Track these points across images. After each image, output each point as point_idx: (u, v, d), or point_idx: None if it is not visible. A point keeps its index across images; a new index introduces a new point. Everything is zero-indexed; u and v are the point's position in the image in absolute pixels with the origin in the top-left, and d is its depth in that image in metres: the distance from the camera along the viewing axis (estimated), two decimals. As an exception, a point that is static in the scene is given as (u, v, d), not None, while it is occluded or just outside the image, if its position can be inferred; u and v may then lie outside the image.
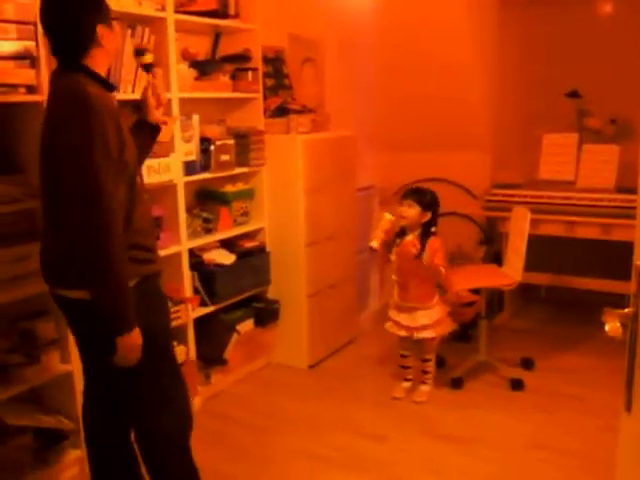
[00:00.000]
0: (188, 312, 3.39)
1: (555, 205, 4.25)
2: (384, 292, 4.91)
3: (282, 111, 3.95)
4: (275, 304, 3.97)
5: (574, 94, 4.49)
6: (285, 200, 3.87)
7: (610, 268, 4.41)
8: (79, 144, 1.90)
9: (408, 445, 3.11)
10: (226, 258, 3.64)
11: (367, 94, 4.73)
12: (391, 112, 4.77)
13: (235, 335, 3.74)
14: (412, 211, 3.40)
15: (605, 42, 4.31)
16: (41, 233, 2.18)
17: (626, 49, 4.13)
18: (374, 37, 4.60)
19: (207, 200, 3.73)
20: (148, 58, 2.47)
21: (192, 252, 3.48)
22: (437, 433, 3.21)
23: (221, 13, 3.56)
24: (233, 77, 3.72)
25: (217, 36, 3.79)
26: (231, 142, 3.63)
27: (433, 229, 3.43)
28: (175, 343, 3.27)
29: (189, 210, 3.50)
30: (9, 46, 2.41)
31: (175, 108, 3.23)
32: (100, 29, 2.03)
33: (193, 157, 3.42)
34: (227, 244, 3.74)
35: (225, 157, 3.58)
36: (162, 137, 2.96)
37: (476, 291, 3.95)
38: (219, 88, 3.61)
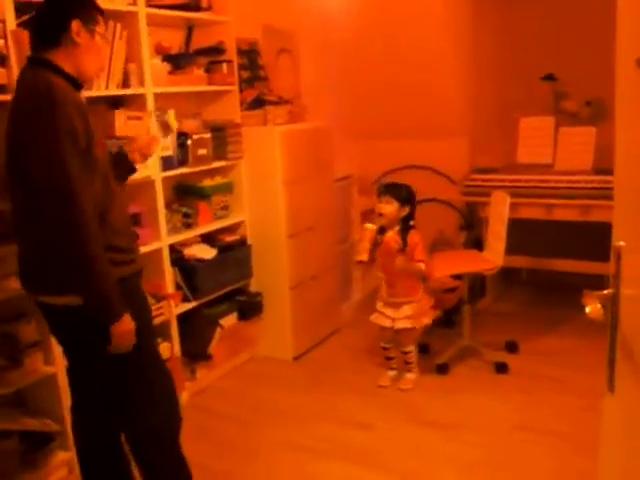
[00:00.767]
0: (171, 308, 3.37)
1: (533, 188, 4.27)
2: (366, 282, 4.92)
3: (258, 103, 3.93)
4: (258, 297, 3.96)
5: (550, 77, 4.51)
6: (264, 192, 3.85)
7: (589, 250, 4.45)
8: (45, 134, 1.87)
9: (395, 433, 3.12)
10: (207, 252, 3.62)
11: (343, 84, 4.72)
12: (368, 101, 4.76)
13: (219, 329, 3.73)
14: (390, 207, 3.41)
15: (579, 25, 4.33)
16: (14, 237, 2.14)
17: (599, 31, 4.13)
18: (349, 27, 4.58)
19: (186, 195, 3.70)
20: (173, 122, 2.56)
21: (173, 248, 3.46)
22: (423, 420, 3.22)
23: (193, 6, 3.53)
24: (208, 70, 3.69)
25: (190, 29, 3.76)
26: (208, 136, 3.60)
27: (412, 222, 3.44)
28: (159, 340, 3.27)
29: (168, 206, 3.48)
30: (-22, 45, 2.37)
31: (150, 103, 3.20)
32: (75, 25, 2.00)
33: (170, 152, 3.39)
34: (208, 238, 3.72)
35: (202, 151, 3.55)
36: (137, 132, 2.95)
37: (458, 276, 3.97)
38: (194, 81, 3.58)
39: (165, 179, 3.36)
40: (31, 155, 1.91)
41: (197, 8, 3.56)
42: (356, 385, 3.65)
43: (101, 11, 2.13)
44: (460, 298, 4.00)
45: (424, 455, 2.92)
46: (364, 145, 4.97)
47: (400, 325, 3.50)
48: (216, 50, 3.72)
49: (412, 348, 3.62)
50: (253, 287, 4.01)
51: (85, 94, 2.71)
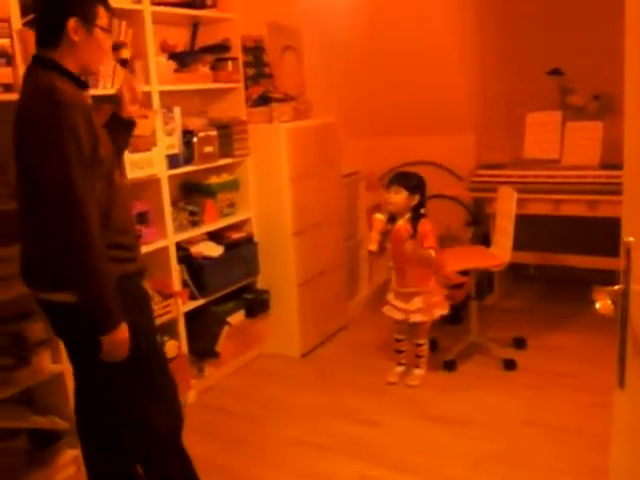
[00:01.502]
0: (178, 306, 3.38)
1: (541, 184, 4.25)
2: (373, 278, 4.92)
3: (264, 100, 3.93)
4: (265, 294, 3.97)
5: (556, 72, 4.49)
6: (271, 189, 3.85)
7: (596, 245, 4.43)
8: (49, 137, 1.87)
9: (402, 429, 3.12)
10: (214, 250, 3.62)
11: (348, 80, 4.70)
12: (373, 97, 4.75)
13: (226, 327, 3.73)
14: (399, 197, 3.40)
15: (585, 19, 4.30)
16: (20, 233, 2.14)
17: (605, 25, 4.11)
18: (354, 23, 4.57)
19: (192, 193, 3.70)
20: (125, 53, 2.43)
21: (179, 245, 3.47)
22: (432, 416, 3.22)
23: (198, 3, 3.53)
24: (213, 68, 3.69)
25: (195, 27, 3.76)
26: (214, 133, 3.60)
27: (422, 211, 3.43)
28: (166, 338, 3.28)
29: (174, 204, 3.48)
30: (-16, 44, 2.38)
31: (155, 101, 3.21)
32: (72, 23, 1.99)
33: (176, 150, 3.39)
34: (214, 236, 3.72)
35: (208, 149, 3.55)
36: (143, 131, 2.93)
37: (465, 272, 3.96)
38: (199, 79, 3.58)
39: (171, 177, 3.36)
40: (35, 160, 1.91)
41: (202, 5, 3.56)
42: (364, 382, 3.64)
43: (104, 2, 2.09)
44: (467, 294, 3.99)
45: (432, 451, 2.91)
46: (370, 141, 4.96)
47: (414, 319, 3.49)
48: (221, 48, 3.72)
49: (425, 341, 3.62)
50: (260, 284, 4.01)
51: (90, 93, 2.72)
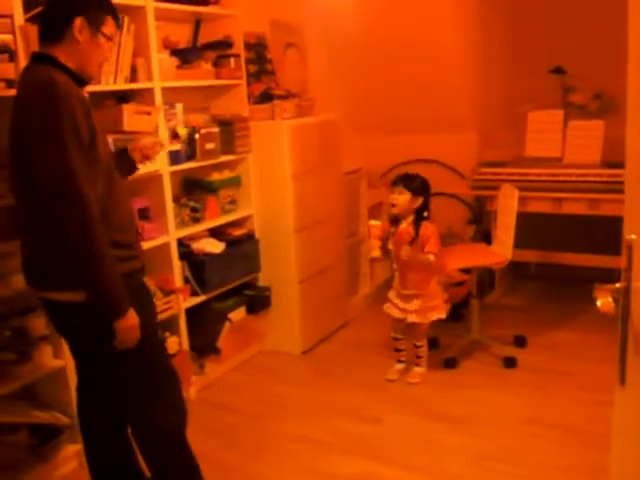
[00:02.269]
0: (179, 302, 3.38)
1: (542, 182, 4.25)
2: (374, 276, 4.92)
3: (266, 97, 3.93)
4: (266, 291, 3.97)
5: (558, 70, 4.48)
6: (272, 186, 3.85)
7: (597, 243, 4.43)
8: (48, 128, 1.87)
9: (403, 426, 3.12)
10: (215, 247, 3.62)
11: (351, 77, 4.70)
12: (376, 95, 4.74)
13: (227, 324, 3.74)
14: (403, 198, 3.40)
15: (587, 17, 4.29)
16: (19, 231, 2.14)
17: (607, 23, 4.10)
18: (356, 20, 4.56)
19: (194, 189, 3.70)
20: (181, 130, 2.55)
21: (181, 242, 3.47)
22: (432, 413, 3.22)
23: (201, 0, 3.52)
24: (215, 64, 3.69)
25: (197, 23, 3.76)
26: (216, 130, 3.60)
27: (425, 214, 3.43)
28: (168, 334, 3.28)
29: (176, 200, 3.48)
30: (-14, 40, 2.38)
31: (158, 98, 3.21)
32: (79, 21, 2.00)
33: (178, 146, 3.39)
34: (216, 233, 3.72)
35: (210, 145, 3.55)
36: (146, 127, 2.94)
37: (466, 270, 3.96)
38: (202, 76, 3.58)
39: (173, 173, 3.36)
40: (34, 150, 1.90)
41: (205, 2, 3.56)
42: (364, 379, 3.65)
43: (113, 13, 2.12)
44: (469, 292, 3.99)
45: (432, 448, 2.92)
46: (372, 139, 4.96)
47: (410, 319, 3.50)
48: (224, 44, 3.71)
49: (424, 342, 3.62)
50: (261, 281, 4.01)
51: (93, 88, 2.73)
